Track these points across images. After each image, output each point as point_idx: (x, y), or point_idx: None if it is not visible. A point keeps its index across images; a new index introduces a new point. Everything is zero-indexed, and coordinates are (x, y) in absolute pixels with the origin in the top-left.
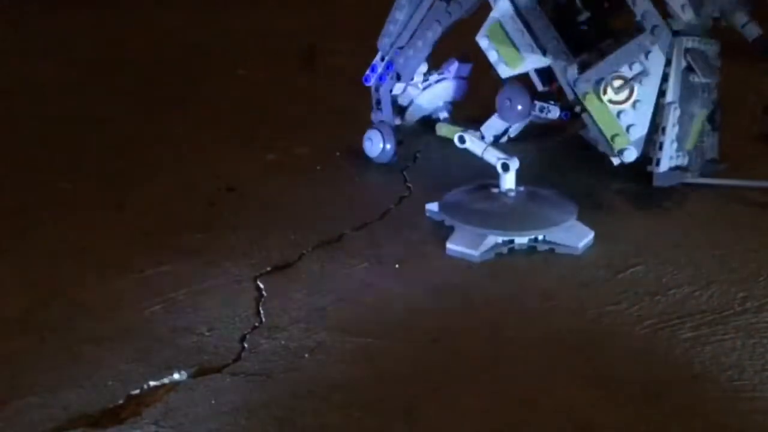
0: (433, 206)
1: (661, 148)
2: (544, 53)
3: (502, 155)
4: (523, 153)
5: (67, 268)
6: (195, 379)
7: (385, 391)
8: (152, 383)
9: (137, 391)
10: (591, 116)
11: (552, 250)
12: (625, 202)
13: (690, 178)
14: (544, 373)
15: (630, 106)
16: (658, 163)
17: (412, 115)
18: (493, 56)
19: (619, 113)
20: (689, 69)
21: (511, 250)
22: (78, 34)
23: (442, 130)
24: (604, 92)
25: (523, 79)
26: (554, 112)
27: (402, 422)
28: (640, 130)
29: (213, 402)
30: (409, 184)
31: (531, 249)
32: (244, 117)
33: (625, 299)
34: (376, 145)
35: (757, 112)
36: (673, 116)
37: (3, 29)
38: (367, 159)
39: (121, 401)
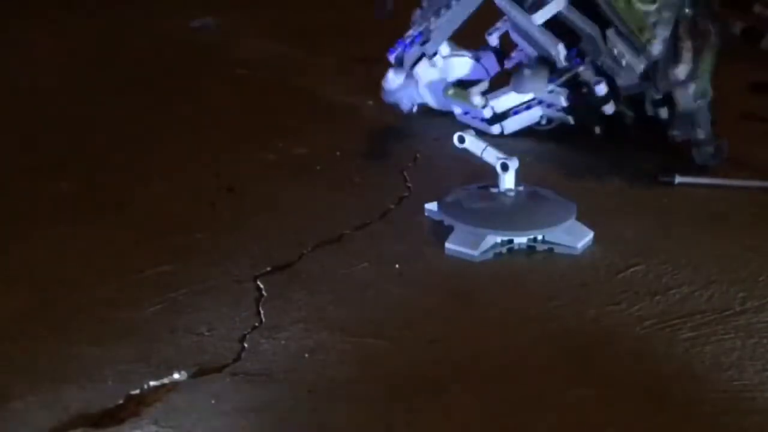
0: (432, 206)
1: (680, 56)
2: None
3: (501, 155)
4: (522, 153)
5: (67, 268)
6: (195, 379)
7: (385, 391)
8: (152, 383)
9: (137, 391)
10: (617, 16)
11: (551, 250)
12: (625, 202)
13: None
14: (544, 373)
15: (656, 9)
16: (679, 62)
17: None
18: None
19: (645, 13)
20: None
21: (511, 250)
22: (77, 35)
23: (450, 91)
24: None
25: None
26: (561, 96)
27: (402, 422)
28: (664, 32)
29: (213, 402)
30: (409, 184)
31: (530, 249)
32: (243, 117)
33: (625, 299)
34: (398, 79)
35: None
36: (686, 43)
37: (1, 31)
38: (367, 159)
39: (121, 401)
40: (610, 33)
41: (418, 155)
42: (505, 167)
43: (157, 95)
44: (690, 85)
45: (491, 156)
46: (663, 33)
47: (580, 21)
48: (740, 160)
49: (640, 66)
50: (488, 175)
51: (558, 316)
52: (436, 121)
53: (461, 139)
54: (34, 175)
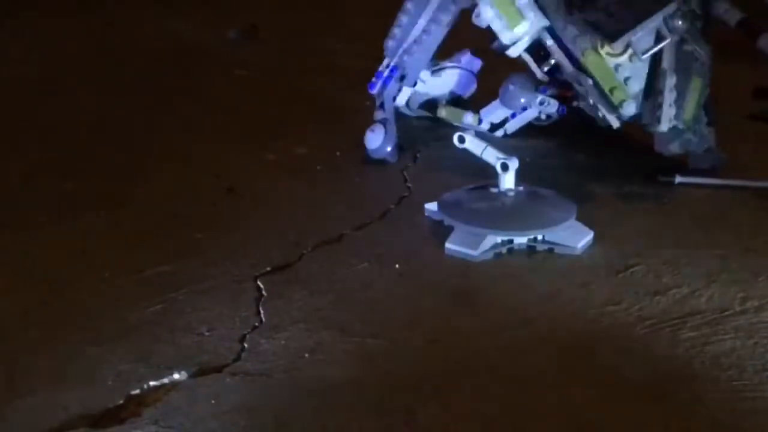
0: (432, 206)
1: (660, 107)
2: (545, 11)
3: (501, 155)
4: (522, 153)
5: (67, 268)
6: (195, 379)
7: (385, 391)
8: (152, 383)
9: (137, 391)
10: (589, 73)
11: (551, 250)
12: (625, 202)
13: (692, 146)
14: (544, 374)
15: (627, 59)
16: (658, 121)
17: (415, 101)
18: (496, 24)
19: (616, 66)
20: (682, 40)
21: (511, 250)
22: (77, 35)
23: (443, 112)
24: (602, 46)
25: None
26: (553, 106)
27: (402, 422)
28: (638, 85)
29: (213, 402)
30: (409, 184)
31: (530, 249)
32: (243, 117)
33: (625, 299)
34: (378, 138)
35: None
36: (669, 80)
37: (1, 30)
38: (367, 159)
39: (121, 401)
40: (584, 80)
41: (418, 155)
42: (505, 167)
43: (158, 95)
44: (674, 142)
45: (491, 156)
46: (637, 87)
47: (563, 59)
48: (741, 160)
49: (616, 122)
50: (488, 175)
51: (558, 316)
52: (436, 121)
53: (461, 139)
54: (35, 175)
